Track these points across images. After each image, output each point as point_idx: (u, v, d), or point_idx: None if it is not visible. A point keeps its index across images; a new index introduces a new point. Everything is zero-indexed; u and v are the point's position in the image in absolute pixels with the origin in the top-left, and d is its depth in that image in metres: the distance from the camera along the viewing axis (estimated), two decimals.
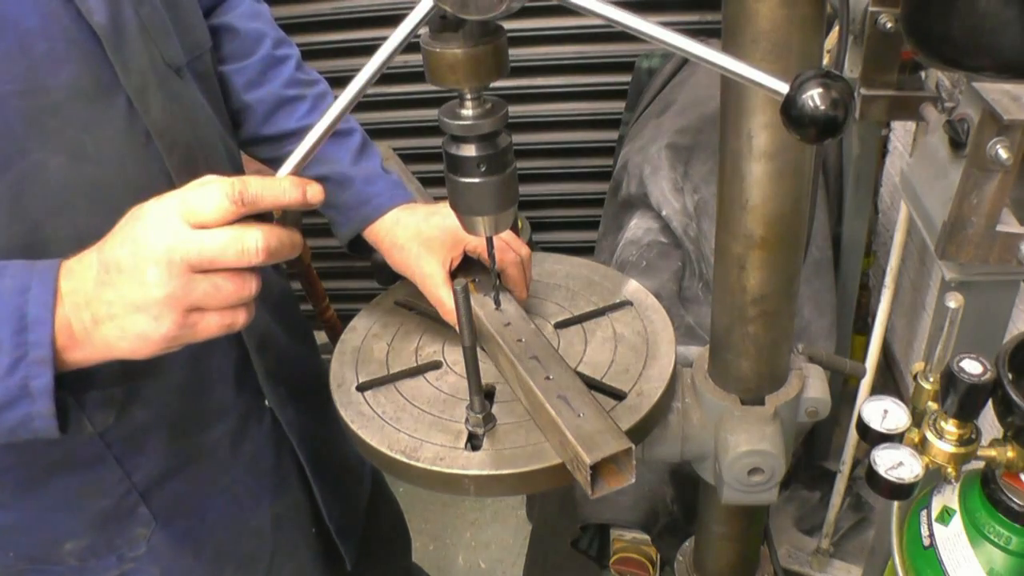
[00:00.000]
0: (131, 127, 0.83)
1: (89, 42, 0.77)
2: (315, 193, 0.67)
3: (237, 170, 1.06)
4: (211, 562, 1.06)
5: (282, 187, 0.65)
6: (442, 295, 0.96)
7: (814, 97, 0.52)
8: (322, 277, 2.54)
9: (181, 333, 0.66)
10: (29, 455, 0.88)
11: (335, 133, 1.11)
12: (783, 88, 0.54)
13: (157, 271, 0.63)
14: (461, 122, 0.68)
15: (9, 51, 0.71)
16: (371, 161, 1.10)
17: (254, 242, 0.63)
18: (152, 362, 0.81)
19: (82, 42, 0.77)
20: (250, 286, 0.66)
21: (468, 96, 0.67)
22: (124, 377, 0.88)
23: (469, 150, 0.69)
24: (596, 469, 0.71)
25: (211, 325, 0.66)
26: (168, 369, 0.92)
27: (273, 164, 1.11)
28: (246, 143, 1.13)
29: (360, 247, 1.12)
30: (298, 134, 1.05)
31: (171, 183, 0.87)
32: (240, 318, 0.67)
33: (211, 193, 0.63)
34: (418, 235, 1.01)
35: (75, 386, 0.80)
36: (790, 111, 0.53)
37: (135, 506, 0.97)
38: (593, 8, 0.58)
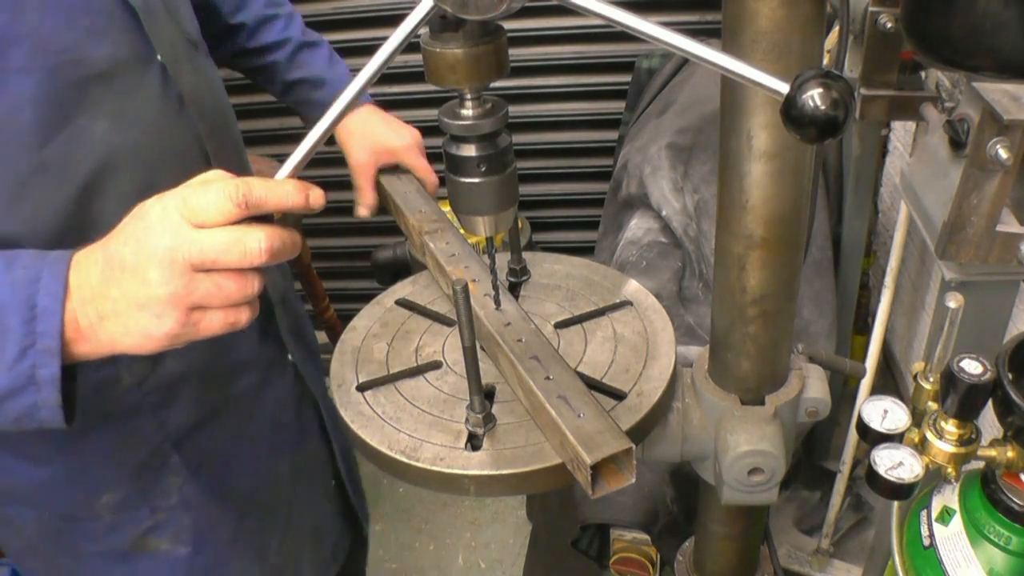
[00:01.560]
0: (165, 94, 0.92)
1: (126, 17, 0.87)
2: (317, 198, 0.67)
3: (239, 134, 1.17)
4: (236, 511, 1.13)
5: (286, 191, 0.65)
6: (361, 183, 1.26)
7: (814, 97, 0.52)
8: (322, 277, 2.55)
9: (184, 331, 0.66)
10: None
11: (308, 44, 1.29)
12: (783, 88, 0.54)
13: (159, 271, 0.63)
14: (461, 122, 0.68)
15: (57, 27, 0.79)
16: (340, 68, 1.32)
17: (257, 243, 0.63)
18: None
19: (120, 17, 0.86)
20: (252, 285, 0.66)
21: (468, 96, 0.67)
22: None
23: (469, 150, 0.69)
24: (596, 469, 0.71)
25: (214, 323, 0.67)
26: None
27: (257, 74, 1.31)
28: (234, 56, 1.28)
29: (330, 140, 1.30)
30: (280, 46, 1.27)
31: (202, 146, 0.98)
32: (243, 316, 0.67)
33: (214, 194, 0.63)
34: (365, 131, 1.26)
35: None
36: (790, 111, 0.53)
37: (168, 456, 1.03)
38: (593, 8, 0.58)
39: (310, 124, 1.29)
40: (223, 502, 1.11)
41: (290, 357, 1.19)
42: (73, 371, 0.71)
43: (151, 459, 1.02)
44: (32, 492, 1.01)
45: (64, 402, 0.69)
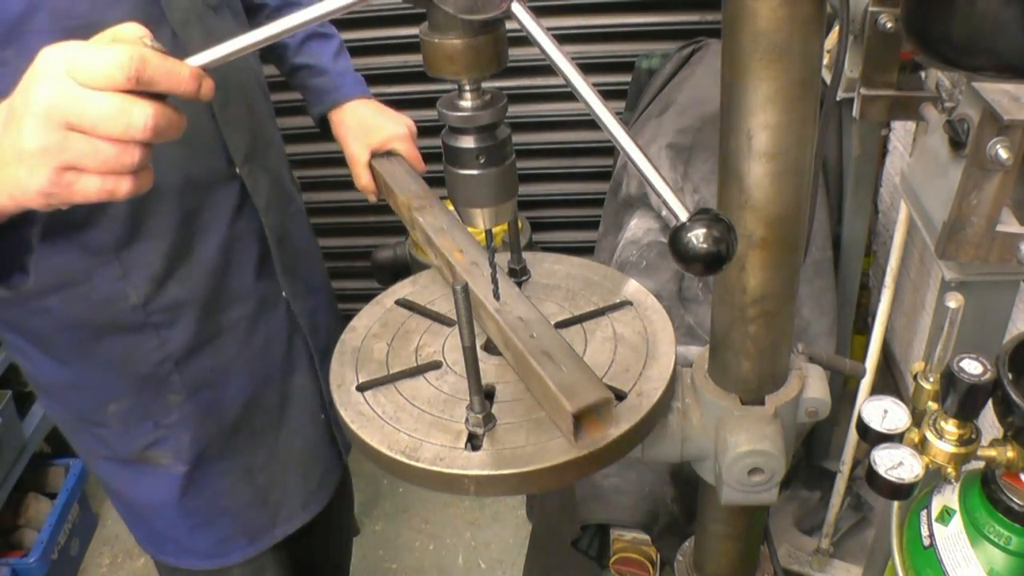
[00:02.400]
0: (175, 54, 0.95)
1: None
2: (207, 90, 0.63)
3: (265, 97, 1.27)
4: (230, 432, 1.24)
5: (181, 75, 0.61)
6: (359, 171, 1.34)
7: (698, 236, 0.57)
8: None
9: (56, 190, 0.63)
10: (83, 316, 1.07)
11: (320, 35, 1.37)
12: (682, 215, 0.59)
13: (34, 123, 0.60)
14: (460, 113, 0.67)
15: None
16: (345, 62, 1.40)
17: (142, 118, 0.60)
18: (187, 246, 1.10)
19: None
20: (134, 155, 0.62)
21: (467, 87, 0.67)
22: (163, 256, 1.07)
23: (468, 142, 0.69)
24: (578, 419, 0.73)
25: (89, 188, 0.63)
26: (201, 254, 1.12)
27: (268, 51, 1.36)
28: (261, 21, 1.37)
29: (326, 127, 1.42)
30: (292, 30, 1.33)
31: (210, 107, 1.06)
32: (124, 186, 0.63)
33: (106, 59, 0.59)
34: (358, 123, 1.34)
35: (123, 259, 1.04)
36: (676, 246, 0.59)
37: (169, 374, 1.15)
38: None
39: (310, 112, 1.40)
40: (218, 423, 1.22)
41: (283, 294, 1.27)
42: (17, 237, 0.73)
43: (153, 374, 1.14)
44: (56, 389, 1.18)
45: (3, 267, 0.72)
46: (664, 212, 1.64)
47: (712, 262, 0.58)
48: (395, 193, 1.22)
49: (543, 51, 0.61)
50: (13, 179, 0.63)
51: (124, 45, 0.60)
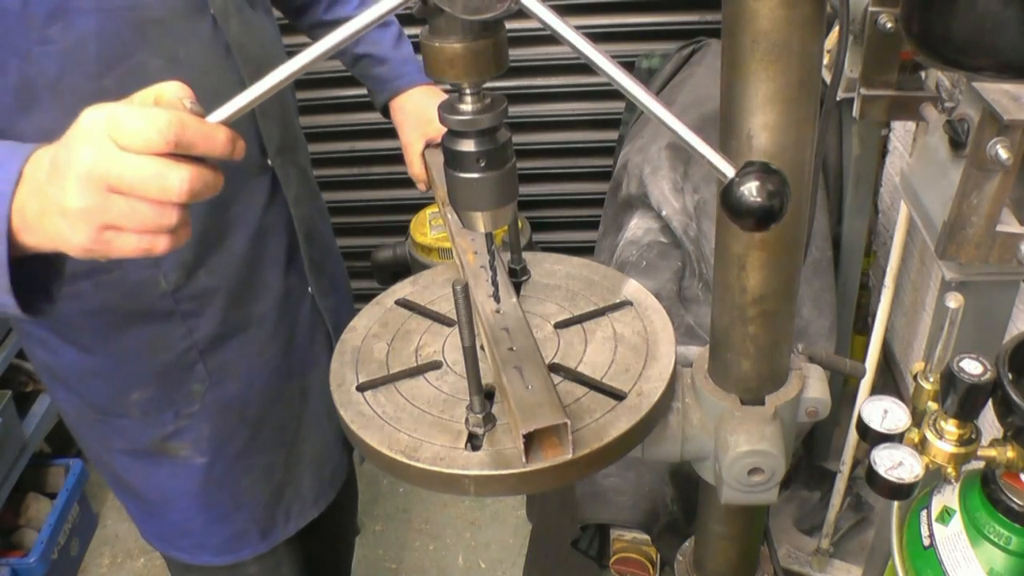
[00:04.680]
0: (214, 41, 1.03)
1: None
2: (240, 150, 0.65)
3: (293, 95, 1.28)
4: (250, 426, 1.25)
5: (217, 139, 0.63)
6: (412, 159, 1.36)
7: (752, 189, 0.55)
8: None
9: (95, 247, 0.65)
10: (113, 303, 1.08)
11: (380, 23, 1.35)
12: (728, 171, 0.57)
13: (76, 183, 0.62)
14: (460, 117, 0.67)
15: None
16: (407, 48, 1.40)
17: (178, 182, 0.61)
18: (219, 236, 1.11)
19: None
20: (171, 216, 0.64)
21: (467, 91, 0.67)
22: (195, 245, 1.09)
23: (468, 145, 0.69)
24: (534, 439, 0.74)
25: (127, 246, 0.65)
26: (232, 244, 1.13)
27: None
28: (311, 27, 1.39)
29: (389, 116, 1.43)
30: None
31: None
32: (161, 244, 0.66)
33: (146, 123, 0.61)
34: (416, 111, 1.35)
35: None
36: (728, 200, 0.57)
37: (194, 363, 1.16)
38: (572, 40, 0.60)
39: (375, 100, 1.43)
40: (239, 416, 1.23)
41: (309, 289, 1.28)
42: (44, 265, 0.74)
43: (178, 362, 1.15)
44: (75, 378, 1.16)
45: (25, 291, 0.71)
46: (665, 212, 1.64)
47: (765, 216, 0.56)
48: (437, 186, 1.23)
49: (563, 37, 0.60)
50: (56, 230, 0.65)
51: (163, 110, 0.61)
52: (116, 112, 0.62)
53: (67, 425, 1.28)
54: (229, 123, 0.64)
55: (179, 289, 1.10)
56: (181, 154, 0.62)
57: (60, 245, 0.67)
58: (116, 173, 0.61)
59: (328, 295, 1.33)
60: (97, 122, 0.62)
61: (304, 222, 1.24)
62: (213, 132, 0.63)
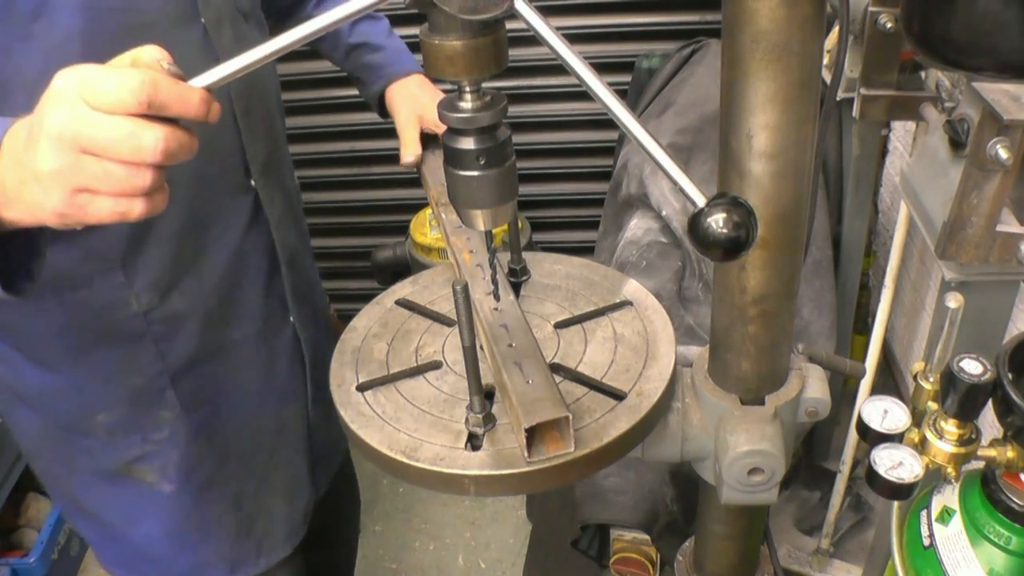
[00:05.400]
0: (205, 51, 1.01)
1: None
2: (215, 114, 0.64)
3: (281, 115, 1.25)
4: (220, 455, 1.20)
5: (191, 101, 0.62)
6: (409, 136, 1.30)
7: (718, 220, 0.57)
8: (322, 277, 2.53)
9: (69, 212, 0.64)
10: (80, 322, 1.03)
11: (369, 17, 1.39)
12: (699, 200, 0.59)
13: (48, 145, 0.61)
14: (460, 115, 0.67)
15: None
16: (397, 41, 1.40)
17: (152, 141, 0.60)
18: (195, 257, 1.06)
19: None
20: (144, 178, 0.62)
21: (467, 89, 0.67)
22: (170, 265, 1.04)
23: (468, 143, 0.69)
24: (537, 434, 0.74)
25: (102, 210, 0.64)
26: (209, 266, 1.09)
27: (322, 41, 1.37)
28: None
29: (383, 107, 1.40)
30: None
31: (231, 101, 1.05)
32: (136, 208, 0.64)
33: (118, 84, 0.59)
34: (412, 98, 1.34)
35: (128, 266, 1.01)
36: (696, 231, 0.58)
37: (164, 388, 1.10)
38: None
39: (362, 91, 1.41)
40: (209, 444, 1.17)
41: (291, 318, 1.23)
42: (25, 243, 0.72)
43: (148, 387, 1.09)
44: (38, 397, 1.10)
45: (5, 271, 0.71)
46: (665, 212, 1.64)
47: (732, 247, 0.57)
48: (429, 185, 1.22)
49: (550, 47, 0.61)
50: (32, 197, 0.64)
51: (137, 70, 0.60)
52: (88, 73, 0.60)
53: (23, 448, 1.21)
54: (211, 91, 0.63)
55: (151, 310, 1.05)
56: (155, 116, 0.61)
57: (37, 213, 0.65)
58: (88, 134, 0.60)
59: (309, 326, 1.27)
60: (68, 84, 0.61)
61: (287, 247, 1.19)
62: (187, 93, 0.61)
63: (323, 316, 1.38)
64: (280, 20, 1.37)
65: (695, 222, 0.58)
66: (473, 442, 0.79)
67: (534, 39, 0.61)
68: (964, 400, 0.78)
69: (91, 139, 0.60)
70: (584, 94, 0.66)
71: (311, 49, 1.36)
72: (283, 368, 1.24)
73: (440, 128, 1.24)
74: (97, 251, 1.00)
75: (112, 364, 1.07)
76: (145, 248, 1.02)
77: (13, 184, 0.65)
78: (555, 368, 0.88)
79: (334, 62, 1.42)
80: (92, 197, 0.63)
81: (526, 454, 0.75)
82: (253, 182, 1.12)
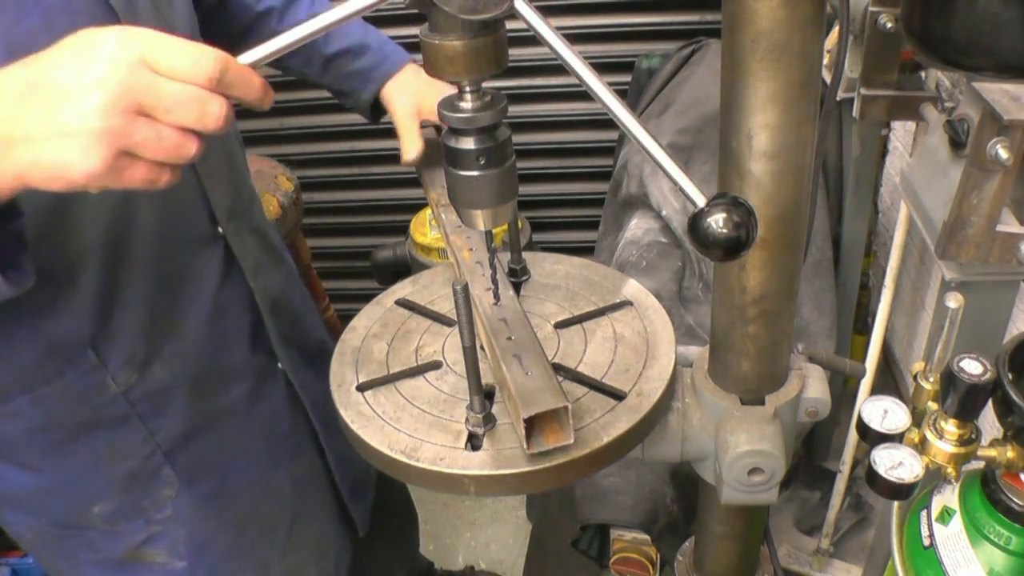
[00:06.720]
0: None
1: (107, 17, 0.85)
2: (268, 101, 0.64)
3: (242, 149, 1.16)
4: (234, 524, 1.12)
5: (254, 86, 0.62)
6: (408, 129, 1.21)
7: (718, 220, 0.58)
8: (322, 277, 2.54)
9: (106, 174, 0.60)
10: (58, 416, 0.94)
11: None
12: (700, 200, 0.59)
13: (105, 100, 0.57)
14: (460, 115, 0.67)
15: (33, 29, 0.77)
16: (375, 31, 1.27)
17: (218, 109, 0.60)
18: (170, 322, 0.98)
19: (100, 17, 0.84)
20: (191, 147, 0.61)
21: (467, 89, 0.67)
22: (145, 336, 0.95)
23: (468, 143, 0.69)
24: (535, 425, 0.74)
25: (136, 175, 0.62)
26: (186, 329, 1.00)
27: (293, 56, 1.23)
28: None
29: (377, 112, 1.31)
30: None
31: None
32: (165, 176, 0.63)
33: (193, 55, 0.59)
34: (409, 91, 1.24)
35: (98, 346, 0.91)
36: (695, 231, 0.59)
37: (159, 467, 1.02)
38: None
39: (349, 101, 1.30)
40: (220, 515, 1.10)
41: (280, 366, 1.16)
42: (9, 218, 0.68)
43: (142, 469, 1.01)
44: (26, 499, 1.02)
45: (7, 261, 0.68)
46: (665, 212, 1.64)
47: (732, 247, 0.58)
48: (428, 187, 1.20)
49: (550, 47, 0.61)
50: (53, 157, 0.59)
51: (209, 48, 0.60)
52: (157, 39, 0.59)
53: (24, 548, 1.13)
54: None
55: (132, 389, 0.96)
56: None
57: (42, 175, 0.60)
58: (154, 94, 0.58)
59: (301, 369, 1.18)
60: (132, 45, 0.58)
61: (267, 294, 1.11)
62: (252, 77, 0.61)
63: (316, 346, 1.27)
64: (234, 42, 1.27)
65: (695, 222, 0.58)
66: (473, 442, 0.79)
67: (534, 39, 0.61)
68: (964, 400, 0.78)
69: (156, 100, 0.58)
70: (584, 94, 0.66)
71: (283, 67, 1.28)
72: (284, 421, 1.17)
73: (436, 116, 1.21)
74: (61, 337, 0.91)
75: (99, 453, 0.98)
76: (114, 321, 0.93)
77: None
78: (555, 368, 0.88)
79: (308, 78, 1.30)
80: (132, 161, 0.61)
81: (525, 445, 0.75)
82: (221, 229, 1.03)
